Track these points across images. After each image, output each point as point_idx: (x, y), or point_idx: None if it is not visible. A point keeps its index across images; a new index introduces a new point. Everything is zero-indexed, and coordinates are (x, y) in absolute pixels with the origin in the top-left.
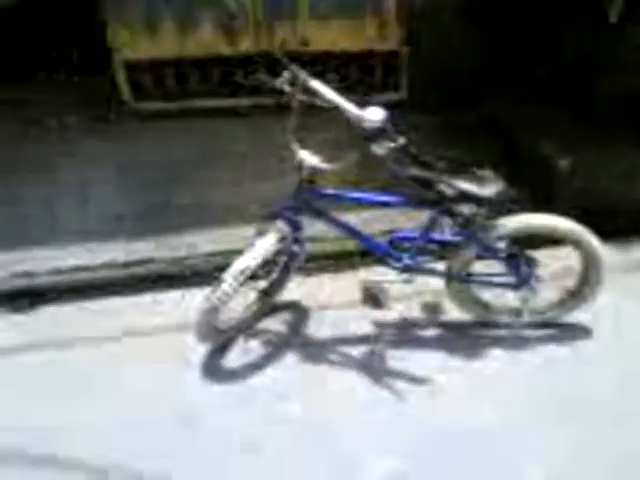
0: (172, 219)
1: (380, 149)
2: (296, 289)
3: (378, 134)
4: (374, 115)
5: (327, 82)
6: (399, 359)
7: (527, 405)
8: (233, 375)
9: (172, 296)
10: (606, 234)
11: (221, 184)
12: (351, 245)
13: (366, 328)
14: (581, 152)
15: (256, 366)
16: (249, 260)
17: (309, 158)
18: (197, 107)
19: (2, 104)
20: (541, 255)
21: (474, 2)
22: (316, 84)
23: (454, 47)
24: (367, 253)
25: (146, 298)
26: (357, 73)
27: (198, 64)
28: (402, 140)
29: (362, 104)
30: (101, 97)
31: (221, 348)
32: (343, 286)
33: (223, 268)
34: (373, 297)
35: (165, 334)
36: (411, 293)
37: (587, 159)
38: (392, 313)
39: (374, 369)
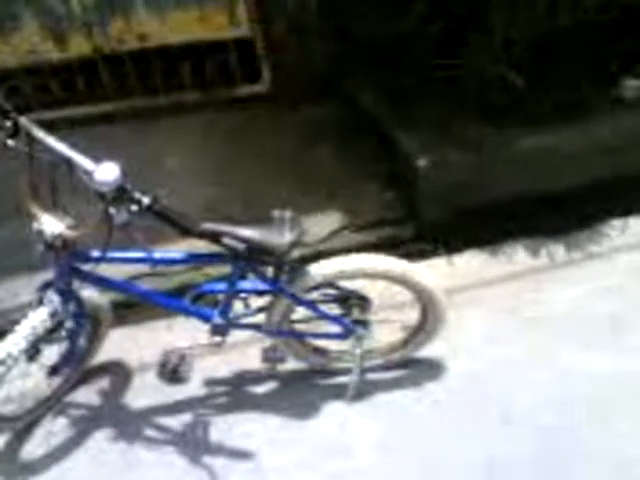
0: None
1: (119, 216)
2: (112, 345)
3: (116, 196)
4: (105, 174)
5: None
6: (226, 427)
7: None
8: (27, 470)
9: None
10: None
11: None
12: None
13: (192, 390)
14: (445, 145)
15: (56, 456)
16: (10, 347)
17: (52, 225)
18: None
19: None
20: (378, 289)
21: None
22: (42, 134)
23: (311, 29)
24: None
25: None
26: (213, 67)
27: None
28: (147, 200)
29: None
30: None
31: (20, 434)
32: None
33: None
34: (171, 370)
35: None
36: (250, 338)
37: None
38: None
39: (196, 443)
